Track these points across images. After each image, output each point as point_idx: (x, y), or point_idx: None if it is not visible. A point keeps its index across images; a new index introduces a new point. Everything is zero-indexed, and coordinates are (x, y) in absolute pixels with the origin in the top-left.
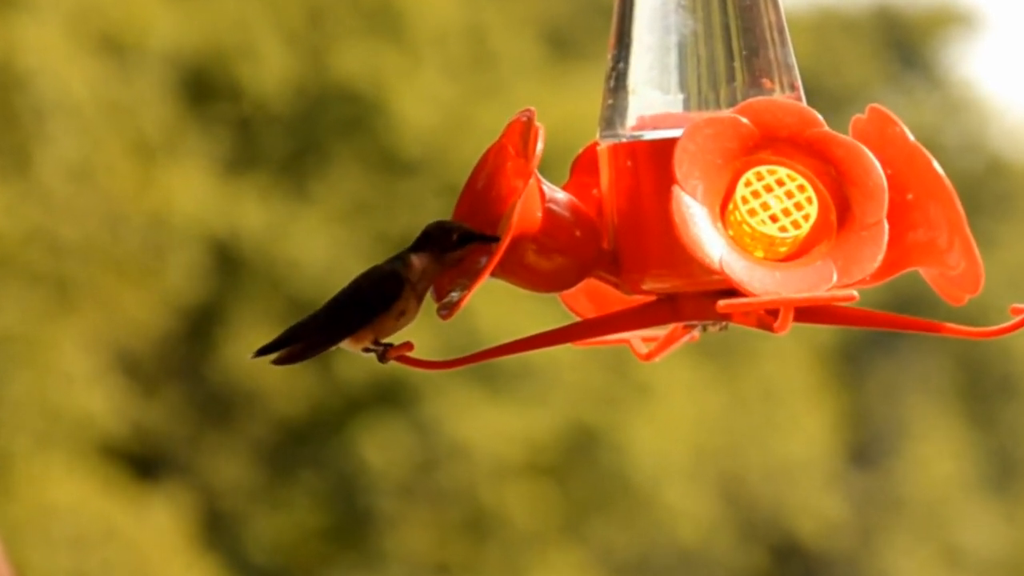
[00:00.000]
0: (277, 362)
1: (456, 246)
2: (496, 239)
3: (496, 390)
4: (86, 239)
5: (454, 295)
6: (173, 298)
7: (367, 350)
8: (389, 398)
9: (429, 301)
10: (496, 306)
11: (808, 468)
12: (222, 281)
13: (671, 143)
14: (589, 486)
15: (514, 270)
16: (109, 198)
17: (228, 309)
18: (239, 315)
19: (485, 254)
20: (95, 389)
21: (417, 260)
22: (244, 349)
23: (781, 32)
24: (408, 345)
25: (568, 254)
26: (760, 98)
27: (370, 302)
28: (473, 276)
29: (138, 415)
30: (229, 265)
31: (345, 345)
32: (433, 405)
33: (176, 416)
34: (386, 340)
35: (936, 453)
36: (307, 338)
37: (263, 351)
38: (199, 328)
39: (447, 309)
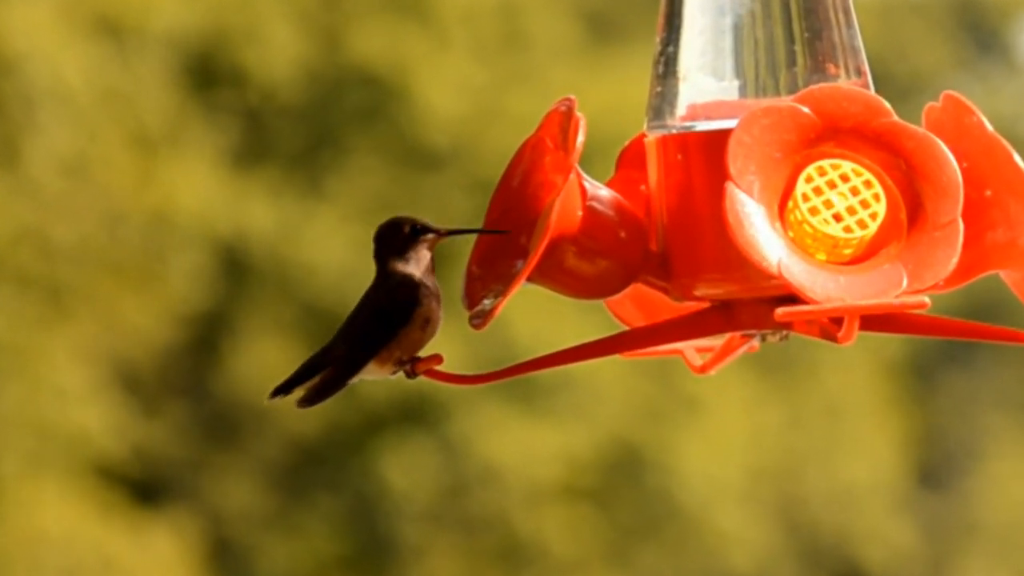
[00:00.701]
0: (302, 404)
1: (411, 240)
2: (468, 230)
3: (532, 406)
4: (81, 240)
5: (487, 303)
6: (176, 305)
7: (394, 372)
8: (414, 415)
9: (458, 310)
10: (534, 315)
11: (875, 491)
12: (229, 287)
13: (725, 135)
14: (634, 510)
15: (553, 275)
16: (106, 195)
17: (236, 317)
18: (248, 324)
19: (520, 257)
20: (91, 405)
21: (403, 265)
22: (253, 361)
23: (847, 12)
24: (437, 358)
25: (612, 257)
26: (823, 85)
27: (389, 315)
28: (508, 282)
29: (138, 434)
30: (237, 269)
31: (371, 373)
32: (463, 423)
33: (180, 435)
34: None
35: (1014, 474)
36: (329, 369)
37: (280, 390)
38: (204, 338)
39: (479, 318)
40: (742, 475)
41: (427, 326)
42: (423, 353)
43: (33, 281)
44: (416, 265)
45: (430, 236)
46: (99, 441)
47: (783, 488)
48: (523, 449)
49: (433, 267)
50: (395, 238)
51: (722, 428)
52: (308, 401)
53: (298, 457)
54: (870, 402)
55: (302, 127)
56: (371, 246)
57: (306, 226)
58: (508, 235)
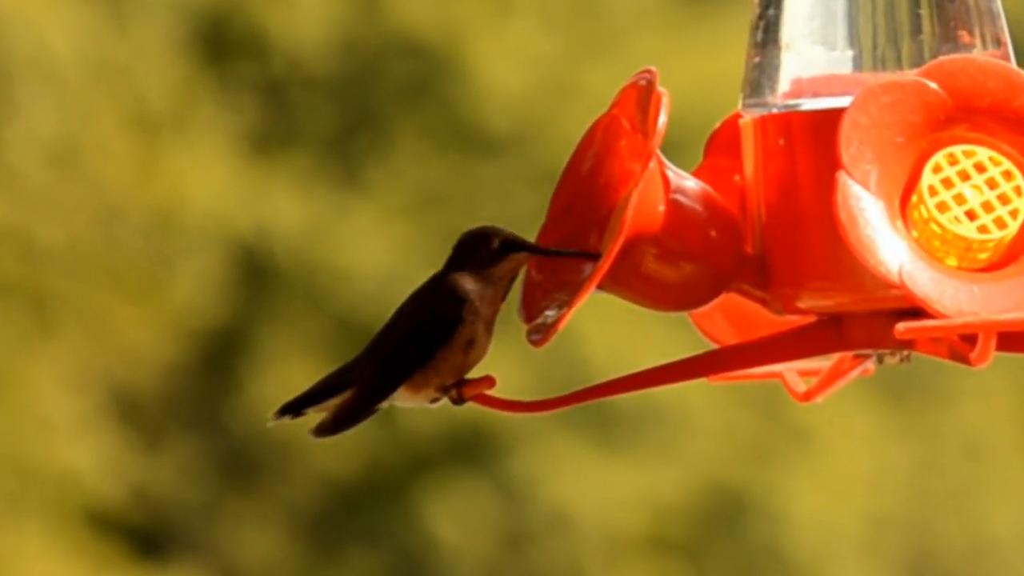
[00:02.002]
0: (318, 433)
1: (498, 257)
2: (565, 252)
3: (609, 441)
4: (70, 241)
5: (549, 315)
6: (184, 319)
7: (435, 399)
8: (467, 452)
9: (515, 323)
10: (608, 329)
11: (1021, 543)
12: (248, 297)
13: (836, 115)
14: (732, 566)
15: (629, 282)
16: (100, 188)
17: (256, 334)
18: (270, 342)
19: (587, 261)
20: (82, 439)
21: (461, 279)
22: (276, 387)
23: None
24: (488, 381)
25: (700, 260)
26: (955, 56)
27: (426, 332)
28: (574, 290)
29: (139, 473)
30: (257, 276)
31: (404, 399)
32: (525, 461)
33: (188, 475)
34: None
35: None
36: (352, 392)
37: (289, 409)
38: (218, 359)
39: (540, 333)
40: (863, 524)
41: (470, 349)
42: (472, 375)
43: (12, 291)
44: (484, 284)
45: (521, 255)
46: (92, 482)
47: (912, 539)
48: (599, 492)
49: (506, 293)
50: (480, 251)
51: (838, 468)
52: (326, 430)
53: (329, 502)
54: (1016, 438)
55: (335, 106)
56: (417, 248)
57: (340, 224)
58: (574, 233)
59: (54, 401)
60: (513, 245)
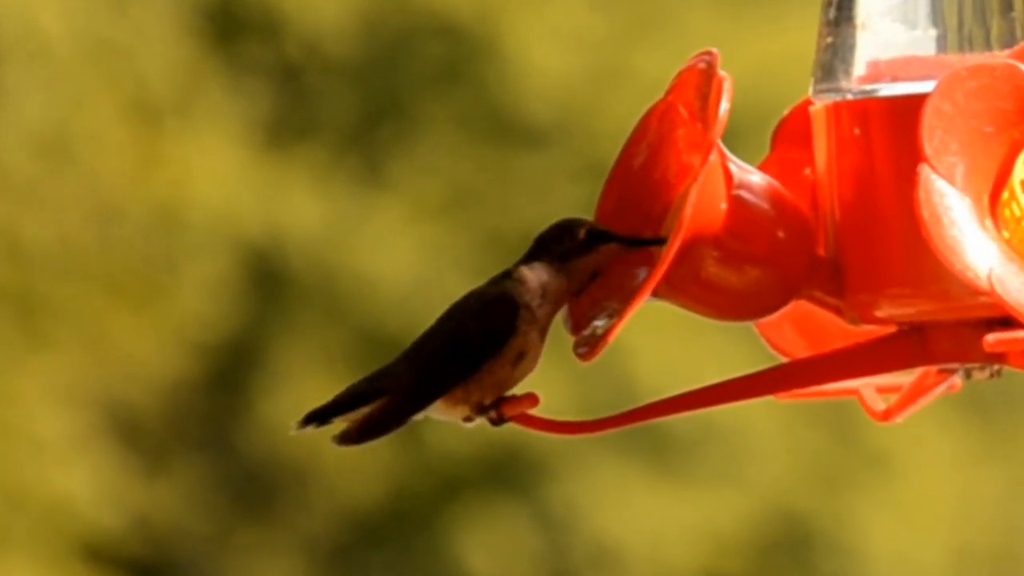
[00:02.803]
0: (342, 440)
1: (584, 249)
2: (658, 241)
3: (662, 466)
4: (62, 242)
5: (598, 325)
6: (189, 330)
7: (469, 418)
8: (503, 478)
9: (560, 335)
10: (663, 341)
11: None
12: (260, 306)
13: (918, 102)
14: None
15: (687, 288)
16: (95, 182)
17: (269, 346)
18: (285, 355)
19: (642, 264)
20: (76, 462)
21: (532, 275)
22: (291, 404)
23: None
24: (530, 399)
25: (766, 264)
26: None
27: (473, 343)
28: (626, 297)
29: (139, 500)
30: (270, 282)
31: (439, 412)
32: (569, 487)
33: (194, 502)
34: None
35: None
36: (385, 400)
37: (314, 418)
38: (227, 375)
39: (588, 346)
40: (946, 557)
41: (520, 362)
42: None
43: None
44: (557, 277)
45: (611, 246)
46: (87, 510)
47: (1003, 573)
48: (651, 522)
49: (582, 291)
50: (563, 243)
51: (919, 495)
52: (350, 437)
53: (350, 532)
54: None
55: (357, 92)
56: (448, 250)
57: (362, 225)
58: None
59: (44, 419)
60: (602, 235)
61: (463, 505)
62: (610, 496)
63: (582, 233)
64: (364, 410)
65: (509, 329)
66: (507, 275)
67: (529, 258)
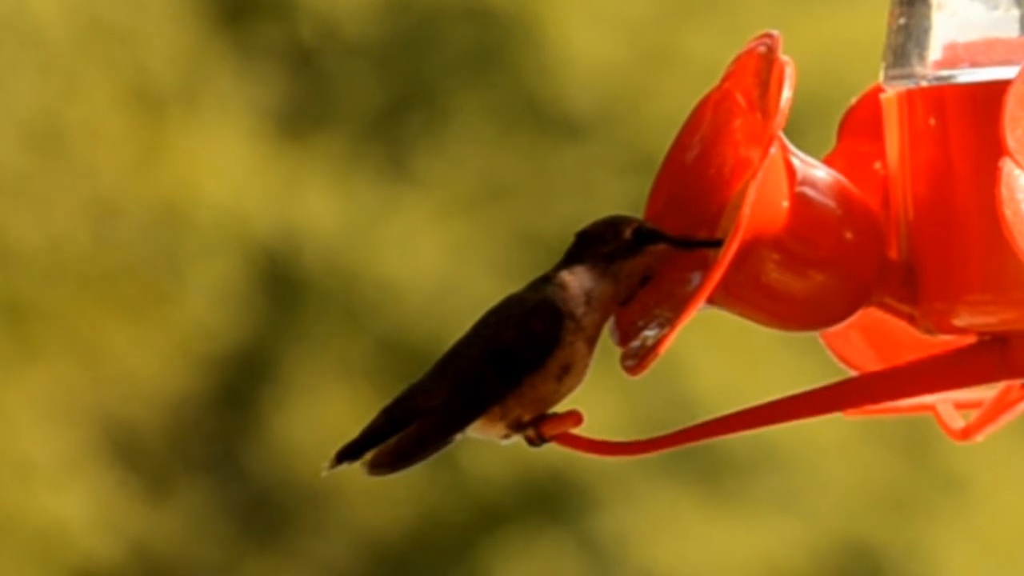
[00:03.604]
0: (374, 470)
1: (631, 251)
2: (713, 242)
3: (717, 491)
4: (53, 243)
5: (648, 336)
6: (194, 341)
7: (507, 435)
8: (545, 504)
9: (606, 346)
10: (719, 353)
11: None
12: (272, 313)
13: (999, 89)
14: None
15: (746, 295)
16: (90, 177)
17: (282, 358)
18: (299, 368)
19: (696, 269)
20: (69, 485)
21: (575, 280)
22: (307, 422)
23: None
24: (573, 417)
25: (833, 268)
26: None
27: (514, 354)
28: (678, 305)
29: (139, 527)
30: (284, 287)
31: (473, 429)
32: (615, 515)
33: (200, 529)
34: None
35: None
36: (419, 424)
37: (347, 454)
38: (236, 389)
39: (637, 358)
40: None
41: (565, 377)
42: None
43: None
44: (603, 282)
45: (660, 247)
46: (81, 537)
47: None
48: (706, 554)
49: (631, 296)
50: (608, 243)
51: (1000, 522)
52: (383, 464)
53: (373, 563)
54: None
55: (379, 78)
56: (480, 252)
57: (385, 223)
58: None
59: (34, 438)
60: (652, 235)
61: (501, 534)
62: (662, 525)
63: (629, 232)
64: (400, 440)
65: (554, 340)
66: (547, 280)
67: (570, 259)
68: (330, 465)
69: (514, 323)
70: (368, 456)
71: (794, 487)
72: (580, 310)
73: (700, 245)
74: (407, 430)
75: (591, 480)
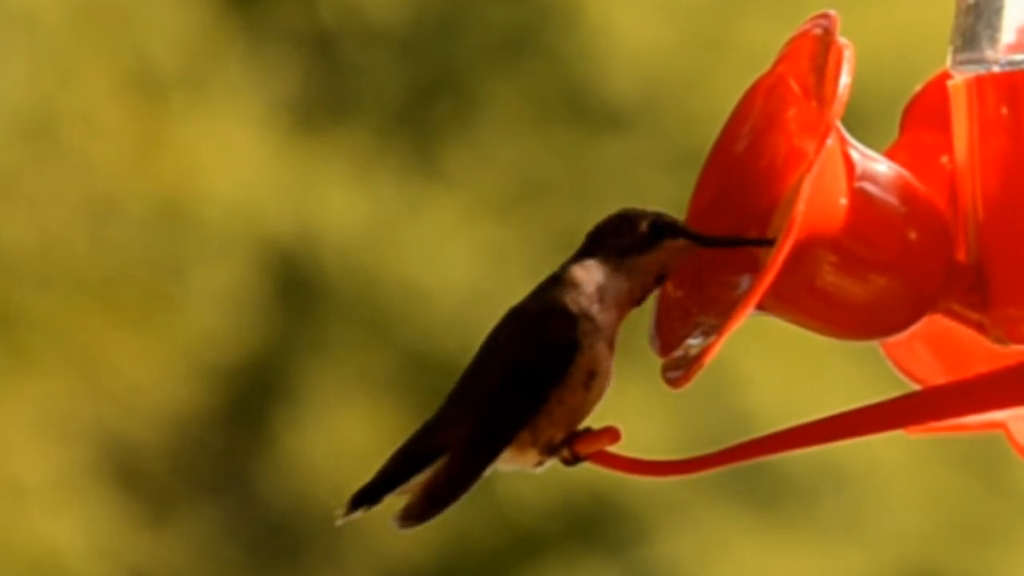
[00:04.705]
0: (404, 522)
1: (646, 245)
2: (763, 242)
3: (777, 515)
4: (46, 245)
5: (692, 345)
6: (200, 351)
7: (540, 463)
8: (586, 530)
9: (647, 357)
10: (772, 364)
11: None
12: (286, 321)
13: None
14: None
15: (800, 300)
16: (87, 171)
17: (296, 370)
18: (315, 381)
19: (745, 271)
20: (64, 507)
21: (585, 275)
22: (325, 440)
23: None
24: (610, 433)
25: (895, 272)
26: None
27: (533, 371)
28: (726, 311)
29: (140, 554)
30: (299, 292)
31: (503, 462)
32: (663, 542)
33: (204, 557)
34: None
35: None
36: (445, 463)
37: (363, 499)
38: (246, 404)
39: (681, 369)
40: None
41: (592, 383)
42: (588, 423)
43: None
44: (614, 276)
45: (679, 242)
46: (77, 563)
47: None
48: None
49: (646, 294)
50: (622, 237)
51: None
52: (414, 516)
53: None
54: None
55: (405, 65)
56: (513, 254)
57: (410, 223)
58: (725, 234)
59: (27, 457)
60: (668, 229)
61: (539, 564)
62: (715, 553)
63: (645, 225)
64: (420, 478)
65: (572, 345)
66: (555, 280)
67: (581, 254)
68: (344, 512)
69: (527, 335)
70: (398, 509)
71: (858, 511)
72: (594, 307)
73: (731, 243)
74: (434, 471)
75: (639, 504)
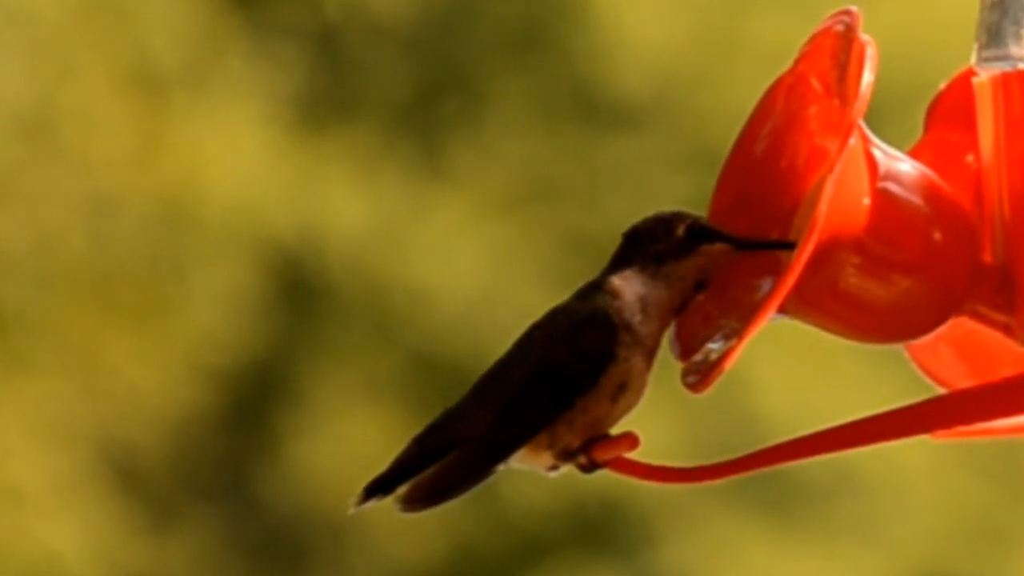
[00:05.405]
0: (408, 506)
1: (684, 251)
2: (784, 244)
3: (793, 522)
4: (44, 244)
5: (712, 349)
6: (202, 353)
7: (555, 467)
8: (597, 536)
9: (666, 360)
10: (791, 369)
11: None
12: (290, 322)
13: None
14: None
15: (821, 303)
16: (87, 170)
17: (300, 373)
18: (320, 385)
19: (766, 274)
20: (62, 513)
21: (626, 285)
22: (329, 445)
23: None
24: (628, 440)
25: (919, 273)
26: None
27: (564, 374)
28: (746, 314)
29: (141, 561)
30: (303, 294)
31: (517, 460)
32: (676, 549)
33: (206, 563)
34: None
35: None
36: (457, 454)
37: (376, 488)
38: (248, 406)
39: (700, 374)
40: None
41: (621, 396)
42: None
43: None
44: (656, 288)
45: (716, 247)
46: (77, 570)
47: None
48: None
49: (687, 302)
50: (658, 241)
51: None
52: (417, 501)
53: None
54: None
55: (411, 62)
56: (522, 255)
57: (417, 224)
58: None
59: (24, 462)
60: (706, 233)
61: (547, 570)
62: (728, 559)
63: (682, 230)
64: (436, 473)
65: (607, 355)
66: (596, 287)
67: (618, 261)
68: (357, 501)
69: (563, 338)
70: (401, 491)
71: (876, 516)
72: (636, 319)
73: (769, 246)
74: (445, 461)
75: (649, 510)
